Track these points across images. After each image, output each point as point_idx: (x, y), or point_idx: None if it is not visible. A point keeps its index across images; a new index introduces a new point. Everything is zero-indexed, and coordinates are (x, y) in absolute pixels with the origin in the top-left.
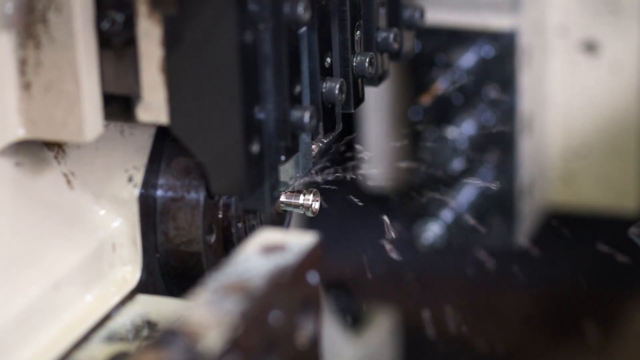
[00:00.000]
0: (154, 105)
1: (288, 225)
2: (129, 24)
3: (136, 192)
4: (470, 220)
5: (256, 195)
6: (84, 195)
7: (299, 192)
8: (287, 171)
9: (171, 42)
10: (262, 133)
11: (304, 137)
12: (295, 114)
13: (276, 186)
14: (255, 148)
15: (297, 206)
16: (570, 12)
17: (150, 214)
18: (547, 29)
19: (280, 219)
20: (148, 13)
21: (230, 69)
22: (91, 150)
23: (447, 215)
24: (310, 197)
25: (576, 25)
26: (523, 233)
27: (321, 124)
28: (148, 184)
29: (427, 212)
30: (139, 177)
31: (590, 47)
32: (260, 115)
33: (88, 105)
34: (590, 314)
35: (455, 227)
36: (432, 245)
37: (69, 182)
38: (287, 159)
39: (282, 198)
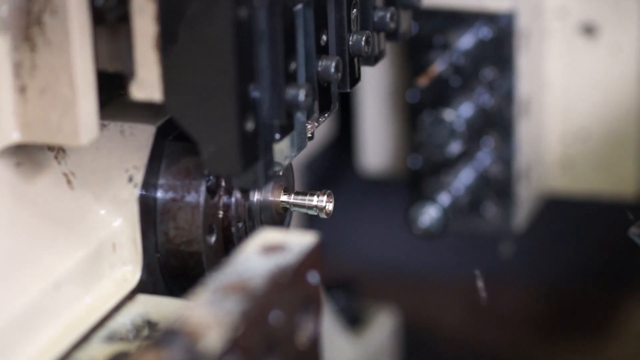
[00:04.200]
0: (147, 83)
1: (288, 225)
2: (123, 0)
3: (136, 192)
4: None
5: (250, 174)
6: (84, 195)
7: (313, 193)
8: (282, 150)
9: (165, 18)
10: (257, 111)
11: (299, 116)
12: (291, 92)
13: (270, 165)
14: (249, 126)
15: (310, 207)
16: None
17: (151, 214)
18: (545, 11)
19: (280, 219)
20: None
21: (224, 45)
22: (91, 150)
23: (444, 198)
24: (324, 198)
25: (575, 7)
26: (521, 218)
27: (317, 102)
28: (148, 184)
29: (424, 196)
30: (139, 177)
31: (589, 30)
32: (255, 93)
33: (84, 108)
34: (590, 314)
35: (453, 211)
36: (428, 229)
37: (69, 182)
38: (282, 138)
39: (295, 199)
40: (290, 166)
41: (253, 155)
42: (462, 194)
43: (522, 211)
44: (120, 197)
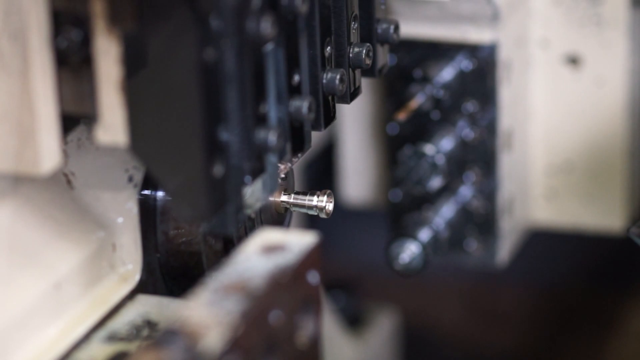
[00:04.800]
0: (113, 126)
1: (288, 225)
2: (87, 42)
3: (136, 192)
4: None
5: (220, 218)
6: (85, 195)
7: (313, 193)
8: (253, 193)
9: (130, 60)
10: (227, 154)
11: (271, 158)
12: (261, 134)
13: (241, 208)
14: (217, 170)
15: (310, 207)
16: (553, 24)
17: (151, 214)
18: (529, 41)
19: (280, 219)
20: (106, 30)
21: (191, 88)
22: (92, 150)
23: (425, 234)
24: (324, 198)
25: (559, 37)
26: (504, 251)
27: (289, 143)
28: (148, 183)
29: (405, 231)
30: (139, 177)
31: (574, 60)
32: (224, 135)
33: (45, 136)
34: (590, 314)
35: (434, 247)
36: (408, 265)
37: (69, 181)
38: (252, 181)
39: (295, 199)
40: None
41: (222, 199)
42: (443, 229)
43: (506, 245)
44: (120, 197)
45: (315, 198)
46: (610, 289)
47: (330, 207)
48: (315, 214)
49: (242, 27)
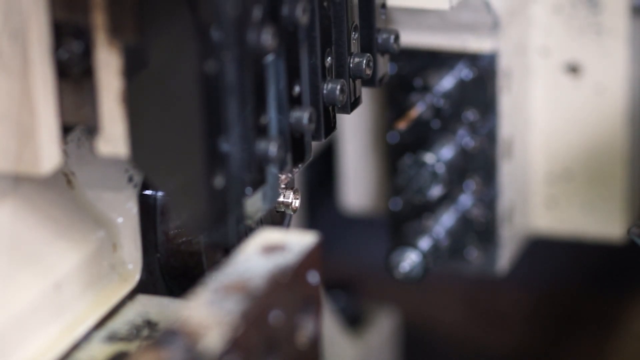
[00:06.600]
0: (114, 137)
1: (288, 226)
2: (88, 53)
3: (136, 192)
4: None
5: (221, 229)
6: (84, 195)
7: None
8: (253, 203)
9: (131, 72)
10: (227, 165)
11: (272, 168)
12: (261, 145)
13: (242, 219)
14: (218, 181)
15: (277, 204)
16: (553, 33)
17: (151, 214)
18: (529, 50)
19: (280, 219)
20: (107, 42)
21: (191, 99)
22: (92, 150)
23: (425, 243)
24: (291, 194)
25: (559, 46)
26: (504, 260)
27: (290, 154)
28: (148, 183)
29: (405, 240)
30: (139, 177)
31: (574, 69)
32: (225, 147)
33: (45, 136)
34: (590, 314)
35: (434, 255)
36: (409, 274)
37: (69, 181)
38: (253, 192)
39: None
40: None
41: (223, 210)
42: (443, 238)
43: (506, 253)
44: (120, 197)
45: (281, 195)
46: (610, 292)
47: (296, 203)
48: (282, 210)
49: (242, 39)
